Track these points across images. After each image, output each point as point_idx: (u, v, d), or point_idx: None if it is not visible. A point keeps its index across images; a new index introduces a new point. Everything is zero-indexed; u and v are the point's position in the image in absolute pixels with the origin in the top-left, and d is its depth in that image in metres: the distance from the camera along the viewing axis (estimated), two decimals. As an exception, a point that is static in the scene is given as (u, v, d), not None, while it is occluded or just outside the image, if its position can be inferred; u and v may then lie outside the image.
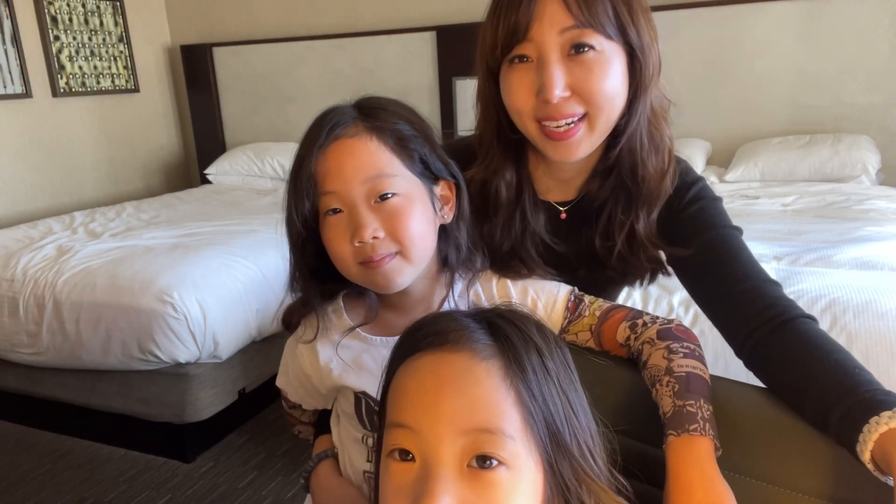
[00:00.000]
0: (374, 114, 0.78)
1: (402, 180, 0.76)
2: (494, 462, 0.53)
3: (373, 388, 0.82)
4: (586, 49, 0.79)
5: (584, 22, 0.78)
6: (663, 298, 1.75)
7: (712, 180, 2.92)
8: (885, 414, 0.62)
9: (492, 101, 0.89)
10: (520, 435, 0.54)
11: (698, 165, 2.93)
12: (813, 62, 2.99)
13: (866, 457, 0.62)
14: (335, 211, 0.76)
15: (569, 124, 0.82)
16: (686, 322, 1.68)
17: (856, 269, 1.84)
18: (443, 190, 0.83)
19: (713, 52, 3.12)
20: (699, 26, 3.11)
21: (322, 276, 0.82)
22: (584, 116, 0.82)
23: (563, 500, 0.57)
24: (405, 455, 0.55)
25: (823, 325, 1.61)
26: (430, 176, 0.81)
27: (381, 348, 0.83)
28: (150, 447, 2.37)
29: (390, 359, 0.61)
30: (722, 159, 3.13)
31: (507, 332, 0.57)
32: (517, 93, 0.83)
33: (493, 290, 0.86)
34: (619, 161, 0.89)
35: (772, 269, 1.81)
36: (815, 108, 3.03)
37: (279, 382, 0.95)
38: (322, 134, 0.76)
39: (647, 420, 0.74)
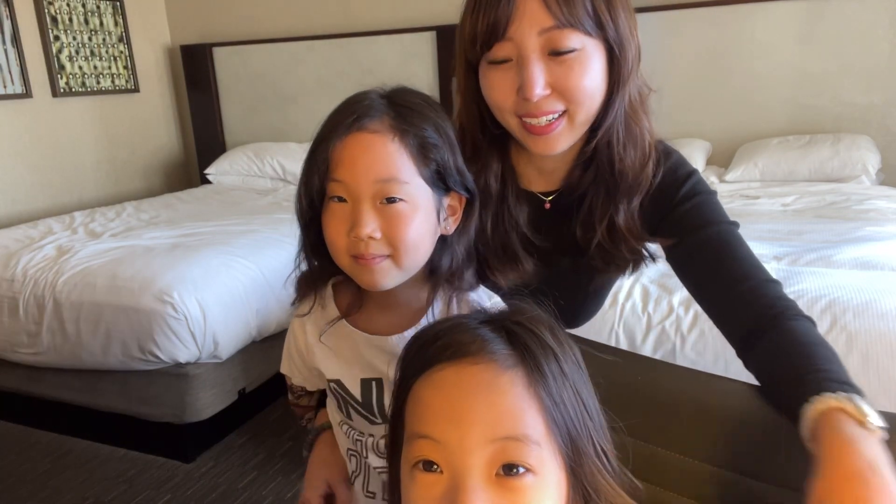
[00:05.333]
0: (403, 113, 0.76)
1: (412, 187, 0.75)
2: (522, 469, 0.53)
3: (347, 377, 0.83)
4: (566, 51, 0.79)
5: (563, 21, 0.77)
6: (663, 298, 1.75)
7: (712, 180, 2.92)
8: (828, 395, 0.64)
9: (472, 96, 0.89)
10: (544, 441, 0.55)
11: (698, 165, 2.93)
12: (813, 62, 2.99)
13: (805, 434, 0.64)
14: (340, 199, 0.76)
15: (549, 120, 0.82)
16: (686, 322, 1.68)
17: (856, 269, 1.84)
18: (452, 200, 0.82)
19: (713, 52, 3.12)
20: (699, 26, 3.11)
21: (323, 254, 0.82)
22: (563, 112, 0.83)
23: (583, 502, 0.58)
24: (430, 466, 0.55)
25: (823, 324, 1.61)
26: (442, 186, 0.79)
27: (359, 343, 0.83)
28: (150, 447, 2.37)
29: (402, 369, 0.61)
30: (722, 159, 3.13)
31: (525, 339, 0.58)
32: (498, 90, 0.83)
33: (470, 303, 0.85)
34: (596, 154, 0.90)
35: (772, 269, 1.78)
36: (814, 108, 3.03)
37: (283, 368, 0.95)
38: (347, 120, 0.75)
39: (654, 418, 0.74)
